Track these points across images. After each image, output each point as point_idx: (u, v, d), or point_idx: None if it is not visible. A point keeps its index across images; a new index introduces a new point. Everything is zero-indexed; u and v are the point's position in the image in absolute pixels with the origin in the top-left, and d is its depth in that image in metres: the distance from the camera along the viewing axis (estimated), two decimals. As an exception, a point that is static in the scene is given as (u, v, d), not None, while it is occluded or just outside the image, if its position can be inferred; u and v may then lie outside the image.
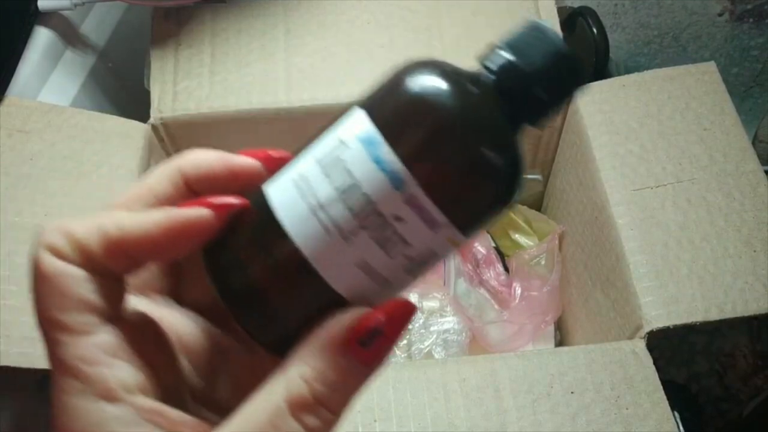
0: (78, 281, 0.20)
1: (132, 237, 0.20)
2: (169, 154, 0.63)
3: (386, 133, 0.21)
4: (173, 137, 0.62)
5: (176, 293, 0.25)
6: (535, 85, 0.22)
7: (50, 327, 0.20)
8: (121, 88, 0.72)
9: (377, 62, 0.61)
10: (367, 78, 0.60)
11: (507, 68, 0.22)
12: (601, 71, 0.77)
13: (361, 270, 0.21)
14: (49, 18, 0.64)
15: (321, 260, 0.21)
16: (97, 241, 0.20)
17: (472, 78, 0.22)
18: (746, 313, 0.47)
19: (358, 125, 0.21)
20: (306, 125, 0.62)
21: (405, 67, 0.23)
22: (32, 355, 0.46)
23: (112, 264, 0.21)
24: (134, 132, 0.58)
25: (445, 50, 0.62)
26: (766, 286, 0.48)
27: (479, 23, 0.63)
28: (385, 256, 0.20)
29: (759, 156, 0.54)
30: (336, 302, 0.21)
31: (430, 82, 0.22)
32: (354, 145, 0.21)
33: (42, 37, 0.63)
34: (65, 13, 0.66)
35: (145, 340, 0.21)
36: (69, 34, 0.67)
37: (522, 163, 0.22)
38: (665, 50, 0.96)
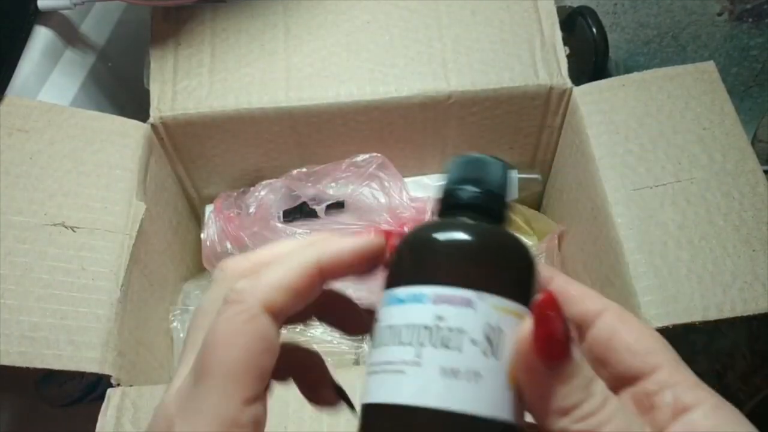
0: (272, 354, 0.23)
1: (336, 262, 0.25)
2: (168, 154, 0.63)
3: (395, 283, 0.24)
4: (173, 137, 0.62)
5: None
6: (501, 197, 0.27)
7: (249, 376, 0.22)
8: (121, 88, 0.73)
9: (377, 62, 0.61)
10: (367, 78, 0.61)
11: (479, 196, 0.26)
12: (601, 71, 0.77)
13: (446, 377, 0.22)
14: (48, 17, 0.64)
15: (413, 395, 0.22)
16: (309, 275, 0.24)
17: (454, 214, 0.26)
18: (745, 313, 0.47)
19: (381, 300, 0.25)
20: (306, 125, 0.62)
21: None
22: (31, 354, 0.46)
23: (312, 294, 0.24)
24: (134, 131, 0.58)
25: (445, 50, 0.62)
26: (765, 285, 0.48)
27: (479, 23, 0.63)
28: (455, 352, 0.22)
29: (758, 156, 0.54)
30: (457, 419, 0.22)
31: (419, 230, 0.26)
32: (381, 312, 0.25)
33: (42, 37, 0.63)
34: (65, 12, 0.66)
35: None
36: (69, 34, 0.67)
37: (497, 232, 0.25)
38: (664, 50, 0.96)
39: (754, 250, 0.49)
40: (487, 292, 0.23)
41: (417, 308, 0.23)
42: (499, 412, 0.22)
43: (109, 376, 0.46)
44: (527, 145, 0.67)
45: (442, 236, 0.25)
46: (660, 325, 0.47)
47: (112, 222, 0.53)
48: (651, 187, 0.53)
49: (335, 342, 0.59)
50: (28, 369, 0.45)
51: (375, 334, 0.25)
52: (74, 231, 0.51)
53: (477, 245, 0.24)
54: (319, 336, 0.59)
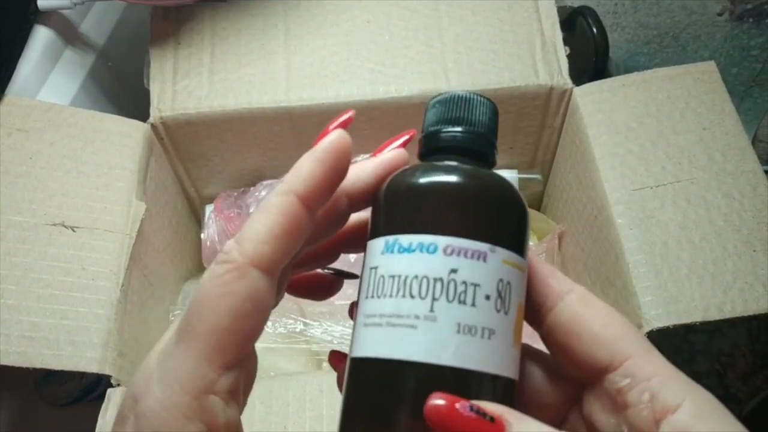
0: (260, 315, 0.22)
1: (311, 185, 0.23)
2: (168, 154, 0.63)
3: (395, 229, 0.23)
4: (173, 136, 0.62)
5: None
6: (492, 134, 0.26)
7: (216, 337, 0.21)
8: (121, 88, 0.72)
9: (377, 62, 0.61)
10: (367, 78, 0.61)
11: (472, 136, 0.25)
12: (601, 71, 0.76)
13: (462, 334, 0.21)
14: (48, 17, 0.64)
15: (428, 352, 0.21)
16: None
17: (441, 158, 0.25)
18: (746, 313, 0.47)
19: (375, 247, 0.24)
20: (306, 124, 0.62)
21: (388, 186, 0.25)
22: (31, 354, 0.46)
23: (303, 232, 0.23)
24: (134, 131, 0.58)
25: (445, 50, 0.62)
26: (765, 286, 0.48)
27: (479, 23, 0.63)
28: (471, 308, 0.21)
29: (759, 156, 0.54)
30: (468, 379, 0.21)
31: (406, 176, 0.25)
32: (379, 259, 0.23)
33: (41, 36, 0.63)
34: (65, 12, 0.66)
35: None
36: (68, 33, 0.67)
37: (500, 181, 0.24)
38: (665, 50, 0.96)
39: (754, 251, 0.49)
40: (499, 245, 0.22)
41: (428, 259, 0.22)
42: (507, 370, 0.22)
43: (109, 376, 0.46)
44: (527, 145, 0.67)
45: (452, 182, 0.23)
46: (660, 325, 0.47)
47: (112, 222, 0.52)
48: (651, 188, 0.53)
49: (335, 342, 0.59)
50: (27, 369, 0.45)
51: (371, 282, 0.23)
52: (74, 231, 0.51)
53: (491, 195, 0.23)
54: (319, 336, 0.59)
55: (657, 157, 0.54)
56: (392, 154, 0.25)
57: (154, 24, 0.64)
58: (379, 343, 0.22)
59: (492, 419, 0.20)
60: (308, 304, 0.60)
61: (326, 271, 0.28)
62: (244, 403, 0.25)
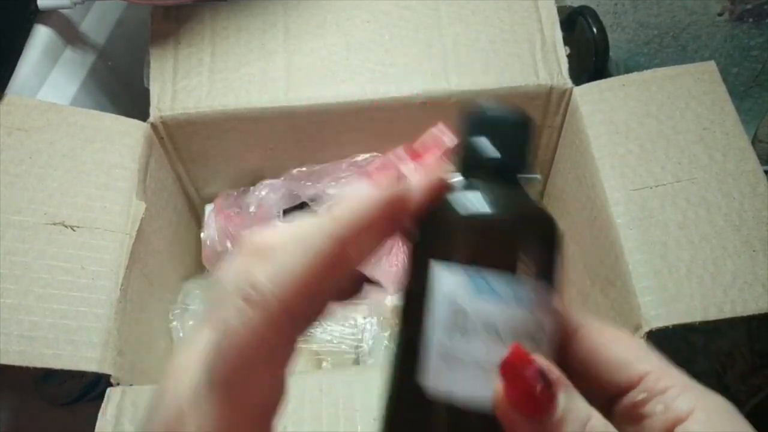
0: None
1: (354, 226, 0.22)
2: (168, 153, 0.63)
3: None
4: (173, 136, 0.62)
5: None
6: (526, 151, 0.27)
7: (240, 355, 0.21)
8: (121, 87, 0.73)
9: (377, 62, 0.61)
10: (367, 78, 0.61)
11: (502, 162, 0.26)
12: (601, 71, 0.77)
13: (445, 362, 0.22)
14: (48, 16, 0.64)
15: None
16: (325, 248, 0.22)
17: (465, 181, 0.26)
18: (745, 313, 0.47)
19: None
20: (305, 124, 0.62)
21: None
22: (31, 353, 0.46)
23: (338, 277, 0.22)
24: (134, 131, 0.58)
25: (445, 50, 0.62)
26: (765, 285, 0.48)
27: (479, 23, 0.63)
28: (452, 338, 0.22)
29: (759, 156, 0.54)
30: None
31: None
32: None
33: (41, 36, 0.63)
34: (65, 11, 0.66)
35: None
36: (68, 33, 0.67)
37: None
38: (665, 50, 0.96)
39: (754, 251, 0.49)
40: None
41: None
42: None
43: (108, 376, 0.46)
44: (527, 144, 0.67)
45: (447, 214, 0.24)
46: (660, 325, 0.47)
47: (112, 221, 0.53)
48: (651, 187, 0.53)
49: (335, 342, 0.59)
50: (27, 368, 0.45)
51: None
52: (74, 230, 0.51)
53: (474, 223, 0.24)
54: (318, 336, 0.59)
55: (657, 157, 0.54)
56: (433, 185, 0.25)
57: (154, 24, 0.64)
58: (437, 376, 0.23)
59: (549, 387, 0.21)
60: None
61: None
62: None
